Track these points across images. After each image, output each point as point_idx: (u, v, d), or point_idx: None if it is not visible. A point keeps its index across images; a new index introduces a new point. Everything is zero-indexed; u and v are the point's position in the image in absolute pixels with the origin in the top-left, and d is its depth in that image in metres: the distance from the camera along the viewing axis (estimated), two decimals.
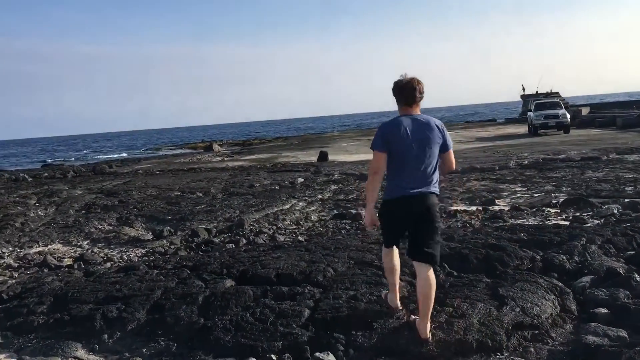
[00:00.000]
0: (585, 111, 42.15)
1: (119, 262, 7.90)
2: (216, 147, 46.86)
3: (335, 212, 10.74)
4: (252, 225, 9.95)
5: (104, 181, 19.45)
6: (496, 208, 9.95)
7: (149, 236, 9.77)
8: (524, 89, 58.45)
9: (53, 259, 8.15)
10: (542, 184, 12.23)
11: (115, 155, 51.31)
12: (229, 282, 5.44)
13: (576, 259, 5.49)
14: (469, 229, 7.64)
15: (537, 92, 53.51)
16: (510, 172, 14.59)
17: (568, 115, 29.83)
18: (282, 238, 8.46)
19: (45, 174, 26.94)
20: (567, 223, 7.96)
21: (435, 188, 4.01)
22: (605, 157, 15.93)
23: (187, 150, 48.95)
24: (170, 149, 58.04)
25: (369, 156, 4.53)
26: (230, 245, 7.96)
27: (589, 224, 7.67)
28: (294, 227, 9.69)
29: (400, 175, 3.94)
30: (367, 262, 5.71)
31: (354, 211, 10.38)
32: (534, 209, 9.38)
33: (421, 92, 4.03)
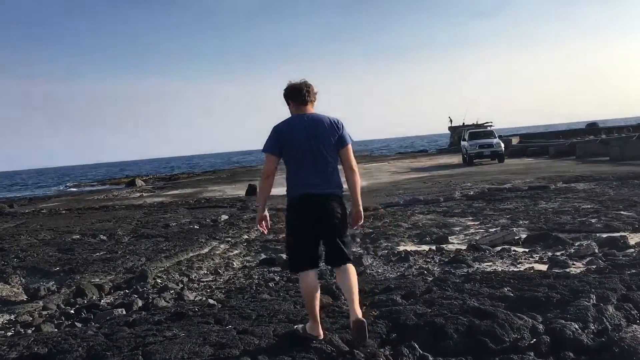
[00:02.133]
0: (515, 141, 42.45)
1: None
2: (139, 182, 43.87)
3: (263, 255, 8.95)
4: (158, 277, 7.98)
5: None
6: (451, 247, 8.46)
7: (23, 296, 7.60)
8: (451, 121, 59.05)
9: None
10: (495, 217, 10.90)
11: (24, 194, 46.87)
12: None
13: (593, 327, 3.94)
14: (429, 279, 6.03)
15: (463, 123, 54.19)
16: (457, 203, 13.27)
17: (502, 145, 29.42)
18: (192, 296, 6.55)
19: None
20: (544, 267, 6.51)
21: (337, 189, 3.92)
22: (554, 186, 14.92)
23: (107, 187, 45.58)
24: (92, 185, 54.26)
25: None
26: (120, 310, 5.97)
27: (573, 269, 6.23)
28: (211, 278, 7.80)
29: (298, 175, 3.87)
30: (303, 343, 3.92)
31: (284, 256, 8.58)
32: (497, 248, 7.92)
33: (313, 92, 3.99)
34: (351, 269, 3.92)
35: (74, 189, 48.07)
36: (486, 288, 5.00)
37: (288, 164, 3.91)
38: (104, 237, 11.99)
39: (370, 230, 10.34)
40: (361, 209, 3.97)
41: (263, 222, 4.02)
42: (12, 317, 6.60)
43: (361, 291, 5.72)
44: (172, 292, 6.85)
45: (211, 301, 5.43)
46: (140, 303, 6.22)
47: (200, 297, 6.51)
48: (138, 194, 27.51)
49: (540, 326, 3.97)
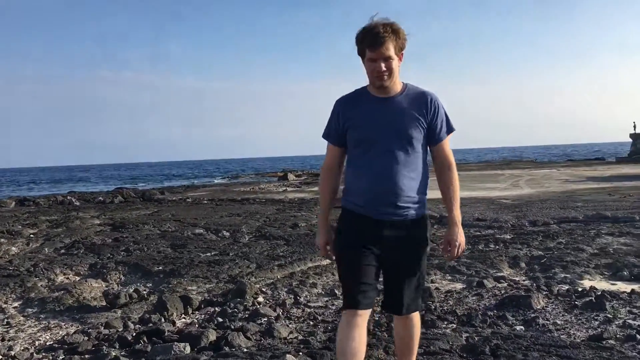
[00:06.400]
0: None
1: None
2: (291, 176, 43.93)
3: None
4: (262, 292, 6.40)
5: (137, 209, 16.66)
6: None
7: (103, 302, 6.41)
8: (635, 127, 51.22)
9: None
10: None
11: (179, 183, 49.08)
12: None
13: None
14: None
15: None
16: None
17: None
18: (285, 332, 4.76)
19: (100, 198, 24.92)
20: None
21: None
22: None
23: (261, 179, 46.22)
24: (250, 177, 55.65)
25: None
26: (183, 345, 4.36)
27: None
28: (323, 302, 6.00)
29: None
30: None
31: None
32: None
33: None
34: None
35: (232, 181, 49.56)
36: None
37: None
38: (227, 234, 10.81)
39: (540, 253, 7.88)
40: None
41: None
42: (72, 330, 5.37)
43: None
44: (263, 321, 5.15)
45: (291, 358, 3.56)
46: (213, 336, 4.58)
47: (294, 336, 4.72)
48: (282, 189, 26.81)
49: None
